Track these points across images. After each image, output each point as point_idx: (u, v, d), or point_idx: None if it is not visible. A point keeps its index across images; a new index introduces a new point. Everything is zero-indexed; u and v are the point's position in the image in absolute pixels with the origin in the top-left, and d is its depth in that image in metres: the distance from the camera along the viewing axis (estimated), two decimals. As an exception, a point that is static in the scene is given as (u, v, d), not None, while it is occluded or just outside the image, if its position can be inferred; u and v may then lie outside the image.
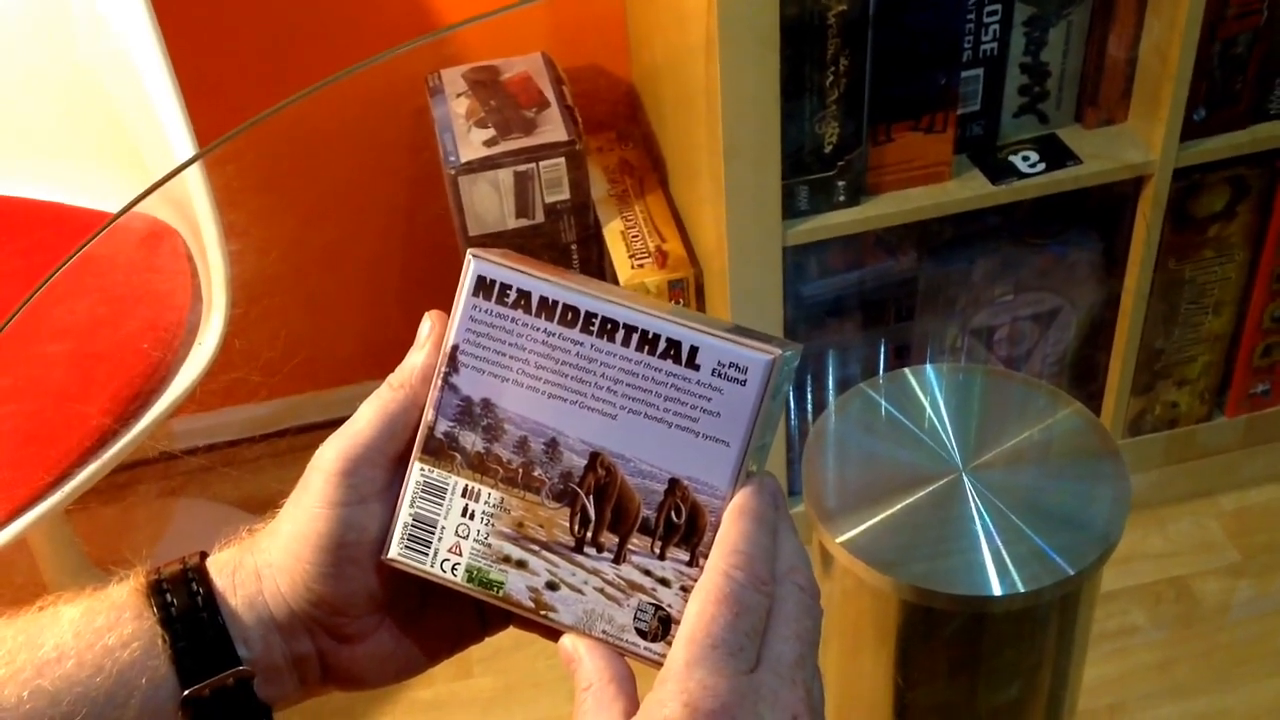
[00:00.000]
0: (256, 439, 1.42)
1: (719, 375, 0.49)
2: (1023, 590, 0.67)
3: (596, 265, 1.38)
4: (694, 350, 0.50)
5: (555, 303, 0.51)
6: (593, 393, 0.51)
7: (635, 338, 0.50)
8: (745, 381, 0.49)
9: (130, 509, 1.39)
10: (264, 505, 0.55)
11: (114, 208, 1.19)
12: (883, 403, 0.76)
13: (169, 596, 0.52)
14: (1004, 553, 0.69)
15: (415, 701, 1.40)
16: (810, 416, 1.39)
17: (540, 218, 1.32)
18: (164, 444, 1.30)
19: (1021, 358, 1.39)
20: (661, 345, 0.50)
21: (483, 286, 0.52)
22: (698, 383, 0.50)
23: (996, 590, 0.67)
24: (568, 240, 1.35)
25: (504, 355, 0.52)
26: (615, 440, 0.50)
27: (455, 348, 0.52)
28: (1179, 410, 1.45)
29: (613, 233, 1.35)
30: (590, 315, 0.51)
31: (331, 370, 1.37)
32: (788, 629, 0.48)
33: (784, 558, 0.49)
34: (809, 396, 1.38)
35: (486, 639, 0.58)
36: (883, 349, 1.37)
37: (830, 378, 1.37)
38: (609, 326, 0.50)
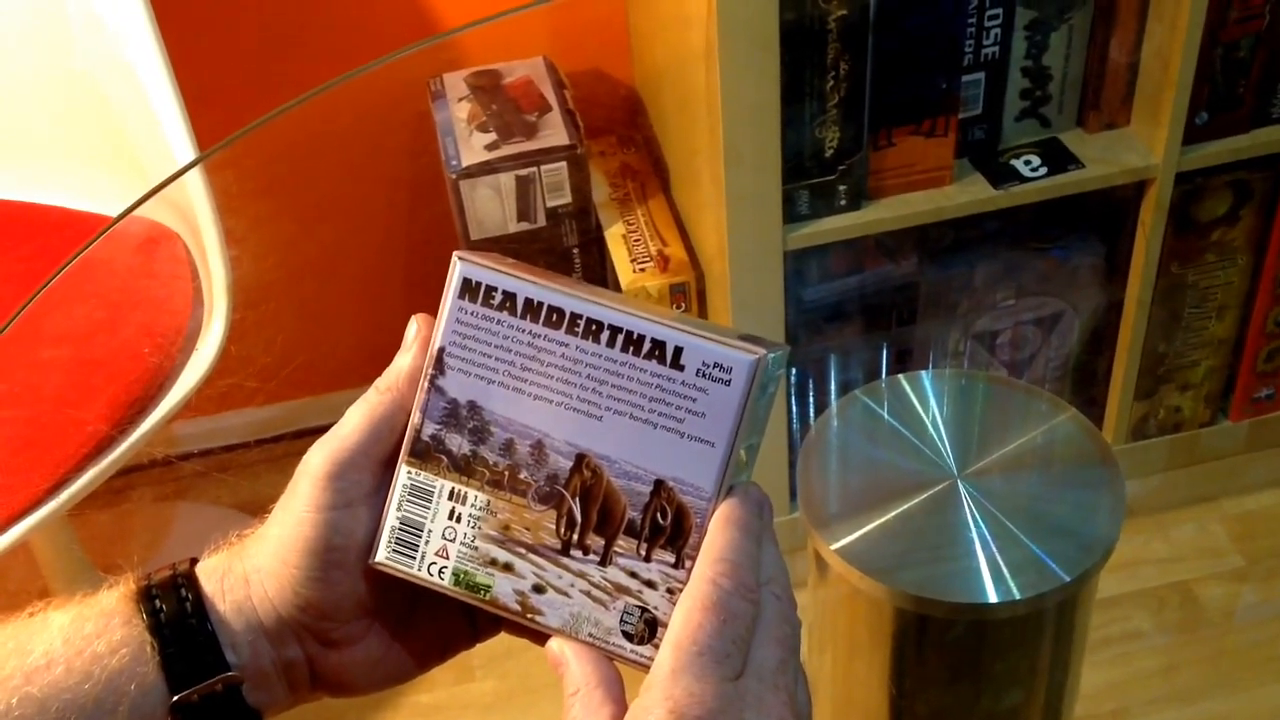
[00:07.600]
0: (254, 444, 1.42)
1: (704, 375, 0.49)
2: (1019, 598, 0.67)
3: (598, 269, 1.38)
4: (678, 351, 0.49)
5: (540, 304, 0.51)
6: (578, 394, 0.50)
7: (620, 339, 0.50)
8: (730, 381, 0.49)
9: (129, 514, 1.39)
10: (262, 509, 0.55)
11: (114, 212, 1.19)
12: (878, 409, 0.76)
13: (158, 603, 0.52)
14: (1000, 560, 0.68)
15: (416, 705, 1.40)
16: (812, 422, 1.38)
17: (542, 222, 1.32)
18: (163, 449, 1.30)
19: (1024, 362, 1.39)
20: (646, 346, 0.50)
21: (468, 289, 0.52)
22: (682, 383, 0.49)
23: (993, 598, 0.67)
24: (569, 244, 1.34)
25: (490, 357, 0.51)
26: (601, 442, 0.50)
27: (441, 350, 0.52)
28: (1182, 415, 1.45)
29: (614, 237, 1.35)
30: (575, 316, 0.50)
31: (331, 375, 1.37)
32: (768, 635, 0.48)
33: (764, 568, 0.49)
34: (811, 402, 1.37)
35: (480, 644, 0.58)
36: (884, 354, 1.36)
37: (831, 383, 1.36)
38: (594, 328, 0.50)
